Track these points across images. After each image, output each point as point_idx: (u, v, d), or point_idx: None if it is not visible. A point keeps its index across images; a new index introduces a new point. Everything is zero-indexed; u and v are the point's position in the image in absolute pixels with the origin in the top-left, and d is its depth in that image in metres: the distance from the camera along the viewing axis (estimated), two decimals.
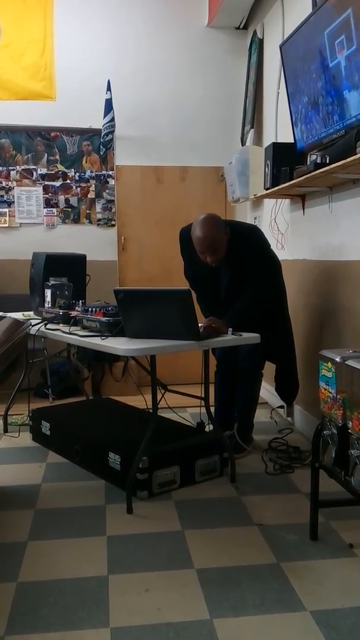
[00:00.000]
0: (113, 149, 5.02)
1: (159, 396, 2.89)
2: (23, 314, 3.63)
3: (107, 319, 2.86)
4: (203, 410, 3.04)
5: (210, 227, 3.02)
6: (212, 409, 3.16)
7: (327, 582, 2.09)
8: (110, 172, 5.08)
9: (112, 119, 4.82)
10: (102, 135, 4.87)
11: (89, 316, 3.01)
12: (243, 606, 1.94)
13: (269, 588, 2.05)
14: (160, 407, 3.14)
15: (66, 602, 1.97)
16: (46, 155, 4.99)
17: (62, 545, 2.36)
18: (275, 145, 3.69)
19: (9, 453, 3.49)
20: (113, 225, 5.13)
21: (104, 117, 4.81)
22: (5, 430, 3.86)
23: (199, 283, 3.35)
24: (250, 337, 2.86)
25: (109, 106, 4.79)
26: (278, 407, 4.00)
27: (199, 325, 2.77)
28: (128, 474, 2.73)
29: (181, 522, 2.56)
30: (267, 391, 4.28)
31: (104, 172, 5.08)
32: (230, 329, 2.87)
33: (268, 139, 4.35)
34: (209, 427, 3.17)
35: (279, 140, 3.98)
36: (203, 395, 3.01)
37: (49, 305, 3.45)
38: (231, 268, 3.17)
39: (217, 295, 3.29)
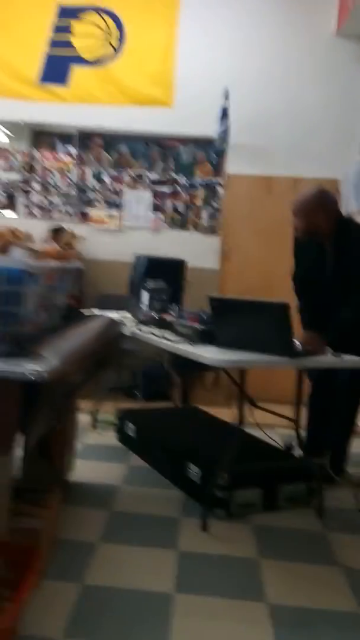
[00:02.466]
0: (225, 157, 4.96)
1: (247, 412, 2.76)
2: (119, 314, 3.63)
3: (200, 326, 2.77)
4: (293, 432, 2.86)
5: (312, 194, 2.91)
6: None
7: None
8: (219, 180, 5.03)
9: (227, 128, 4.77)
10: (216, 143, 4.84)
11: (182, 321, 2.94)
12: None
13: (346, 638, 1.85)
14: (248, 423, 3.02)
15: (128, 614, 1.89)
16: (162, 163, 5.04)
17: (132, 553, 2.30)
18: None
19: (94, 450, 3.50)
20: (217, 234, 5.06)
21: (220, 125, 4.76)
22: (94, 427, 3.89)
23: (306, 284, 3.14)
24: (351, 361, 2.65)
25: (225, 114, 4.74)
26: None
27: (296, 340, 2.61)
28: (207, 489, 2.61)
29: (258, 549, 2.41)
30: None
31: (213, 180, 5.03)
32: (330, 349, 2.68)
33: None
34: (297, 451, 2.99)
35: None
36: (294, 417, 2.84)
37: (146, 308, 3.43)
38: (339, 263, 2.95)
39: (322, 303, 3.07)
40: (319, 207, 2.89)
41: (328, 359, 2.62)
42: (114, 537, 2.41)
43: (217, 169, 5.01)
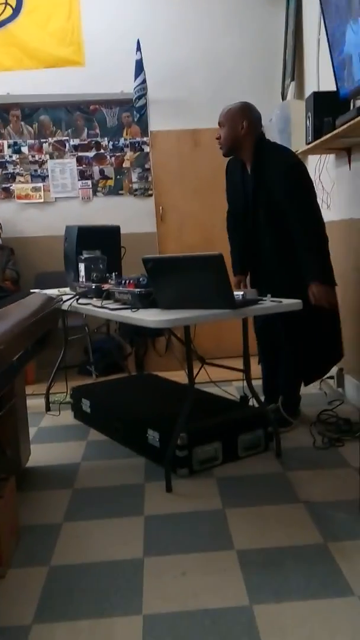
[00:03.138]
0: (147, 114, 4.82)
1: (198, 370, 2.75)
2: (58, 290, 3.54)
3: (139, 290, 2.72)
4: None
5: (238, 104, 3.00)
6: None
7: None
8: (145, 139, 4.90)
9: (144, 81, 4.61)
10: (133, 99, 4.68)
11: (120, 288, 2.88)
12: (286, 591, 1.80)
13: (314, 571, 1.90)
14: (204, 382, 3.02)
15: (98, 587, 1.88)
16: (86, 129, 4.87)
17: (98, 526, 2.28)
18: (317, 95, 3.42)
19: (50, 432, 3.45)
20: (150, 195, 4.96)
21: (135, 79, 4.60)
22: (47, 409, 3.82)
23: (235, 217, 3.19)
24: (291, 304, 2.66)
25: (139, 68, 4.57)
26: (328, 377, 3.77)
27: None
28: (167, 451, 2.61)
29: (222, 500, 2.43)
30: None
31: (138, 139, 4.90)
32: (269, 295, 2.69)
33: (310, 91, 4.04)
34: (254, 401, 3.01)
35: (322, 90, 3.68)
36: (244, 368, 2.84)
37: (83, 280, 3.34)
38: (259, 187, 2.96)
39: (250, 239, 3.09)
40: (243, 115, 2.96)
41: (268, 304, 2.62)
42: (79, 515, 2.39)
43: (145, 128, 4.87)
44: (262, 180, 2.93)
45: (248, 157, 3.00)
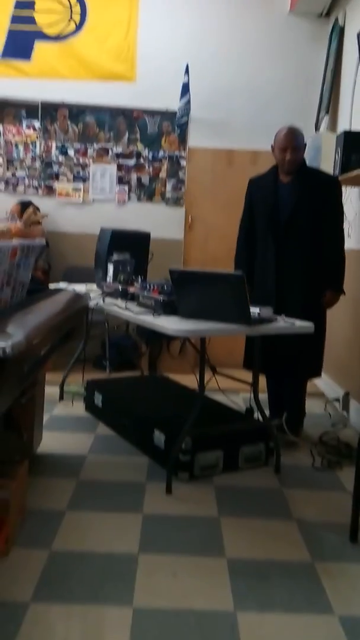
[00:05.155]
0: (187, 131, 5.03)
1: (209, 379, 2.85)
2: (86, 286, 3.68)
3: (162, 297, 2.84)
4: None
5: (297, 130, 3.17)
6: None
7: None
8: (183, 153, 5.09)
9: (188, 102, 4.84)
10: (177, 117, 4.92)
11: (145, 293, 3.00)
12: (269, 602, 1.90)
13: (299, 586, 1.99)
14: (212, 389, 3.12)
15: (94, 576, 2.00)
16: (127, 133, 5.05)
17: (99, 518, 2.40)
18: (347, 134, 3.58)
19: (62, 421, 3.58)
20: (181, 205, 5.11)
21: (180, 99, 4.82)
22: (61, 398, 3.96)
23: (249, 234, 3.37)
24: (304, 326, 2.75)
25: (185, 89, 4.79)
26: (334, 399, 3.86)
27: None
28: (170, 453, 2.72)
29: (219, 508, 2.53)
30: (323, 382, 4.14)
31: (176, 152, 5.08)
32: (282, 314, 2.82)
33: (342, 127, 4.16)
34: (259, 414, 3.11)
35: (354, 129, 3.80)
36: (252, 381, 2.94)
37: (111, 280, 3.47)
38: (301, 196, 3.13)
39: (274, 246, 3.22)
40: (303, 141, 3.19)
41: (281, 324, 2.72)
42: (81, 505, 2.51)
43: (184, 140, 5.06)
44: (307, 190, 3.13)
45: (292, 176, 3.19)
